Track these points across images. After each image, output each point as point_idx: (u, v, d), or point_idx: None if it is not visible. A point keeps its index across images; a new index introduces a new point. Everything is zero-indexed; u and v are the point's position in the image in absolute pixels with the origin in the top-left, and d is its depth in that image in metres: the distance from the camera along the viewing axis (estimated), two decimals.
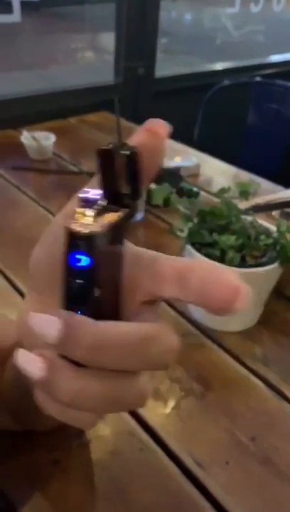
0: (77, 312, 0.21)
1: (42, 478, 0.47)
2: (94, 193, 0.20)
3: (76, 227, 0.20)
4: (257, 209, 0.75)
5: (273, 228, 0.63)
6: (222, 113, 1.67)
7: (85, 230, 0.20)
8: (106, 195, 0.21)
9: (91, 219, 0.20)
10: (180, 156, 1.15)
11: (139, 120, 1.15)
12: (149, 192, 0.94)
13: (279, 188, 1.05)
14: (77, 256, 0.20)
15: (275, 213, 0.90)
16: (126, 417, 0.53)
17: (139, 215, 0.92)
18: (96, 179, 0.23)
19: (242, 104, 1.74)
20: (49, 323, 0.20)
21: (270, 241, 0.60)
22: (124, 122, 1.30)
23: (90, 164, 1.14)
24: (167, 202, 0.90)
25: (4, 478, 0.46)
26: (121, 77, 1.61)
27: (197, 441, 0.52)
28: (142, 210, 0.92)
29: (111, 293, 0.23)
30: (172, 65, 2.08)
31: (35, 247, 0.27)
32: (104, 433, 0.51)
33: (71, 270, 0.20)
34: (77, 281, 0.20)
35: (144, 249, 0.24)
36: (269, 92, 1.79)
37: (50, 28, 1.79)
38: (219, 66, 2.07)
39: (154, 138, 0.22)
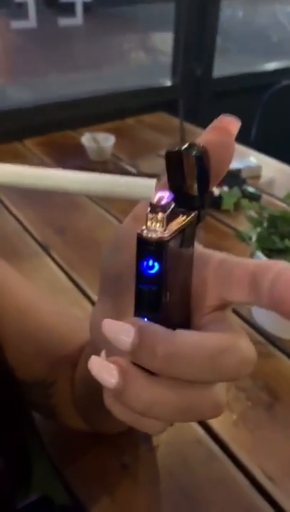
0: (148, 318, 0.21)
1: (110, 480, 0.47)
2: (163, 197, 0.20)
3: (146, 233, 0.20)
4: None
5: None
6: (281, 113, 1.63)
7: (155, 236, 0.19)
8: (175, 197, 0.21)
9: (161, 224, 0.20)
10: (240, 158, 1.13)
11: (197, 121, 1.15)
12: (215, 197, 0.93)
13: None
14: (148, 262, 0.20)
15: None
16: (194, 425, 0.52)
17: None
18: (163, 182, 0.22)
19: None
20: (123, 331, 0.20)
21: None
22: (183, 124, 1.30)
23: (148, 165, 1.15)
24: (237, 207, 0.88)
25: (75, 478, 0.47)
26: (179, 78, 1.60)
27: (267, 453, 0.50)
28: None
29: (182, 298, 0.23)
30: (227, 64, 2.06)
31: (105, 251, 0.27)
32: (172, 440, 0.51)
33: (142, 276, 0.20)
34: (148, 287, 0.20)
35: (212, 251, 0.24)
36: None
37: (105, 28, 1.81)
38: (276, 65, 2.02)
39: (224, 135, 0.21)
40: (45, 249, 0.85)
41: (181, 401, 0.20)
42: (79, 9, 1.30)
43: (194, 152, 0.20)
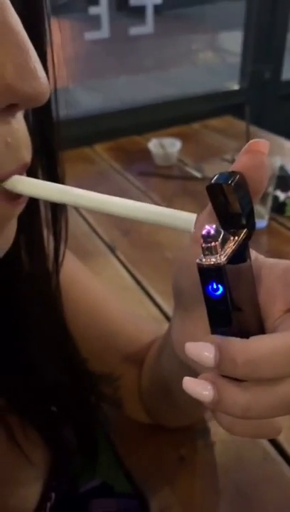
0: (223, 333, 0.23)
1: (168, 472, 0.49)
2: (212, 227, 0.22)
3: (204, 262, 0.22)
4: None
5: None
6: None
7: (212, 263, 0.22)
8: (223, 221, 0.24)
9: (215, 251, 0.22)
10: None
11: (263, 125, 1.14)
12: (280, 202, 0.93)
13: None
14: (212, 286, 0.22)
15: None
16: None
17: (263, 223, 0.92)
18: (207, 211, 0.25)
19: None
20: (204, 350, 0.22)
21: None
22: (251, 127, 1.30)
23: (213, 170, 1.16)
24: None
25: (134, 467, 0.50)
26: (247, 81, 1.60)
27: None
28: (266, 217, 0.92)
29: (251, 307, 0.25)
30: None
31: (175, 269, 0.30)
32: (228, 438, 0.52)
33: (210, 299, 0.23)
34: (218, 308, 0.23)
35: (276, 260, 0.26)
36: None
37: (174, 30, 1.82)
38: None
39: (256, 157, 0.23)
40: (111, 249, 0.89)
41: (272, 397, 0.22)
42: (149, 13, 1.33)
43: (230, 181, 0.22)
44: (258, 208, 0.91)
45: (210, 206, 0.25)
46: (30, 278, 0.36)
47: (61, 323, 0.41)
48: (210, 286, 0.22)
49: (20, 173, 0.25)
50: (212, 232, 0.22)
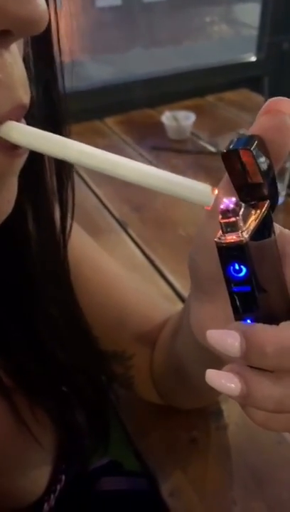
0: (249, 319, 0.21)
1: (179, 453, 0.48)
2: (231, 200, 0.20)
3: (224, 240, 0.20)
4: None
5: None
6: None
7: (234, 240, 0.20)
8: (242, 192, 0.21)
9: (236, 227, 0.20)
10: None
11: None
12: None
13: None
14: (234, 266, 0.20)
15: None
16: None
17: (280, 199, 0.89)
18: (225, 182, 0.23)
19: None
20: (228, 338, 0.20)
21: None
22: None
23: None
24: None
25: (146, 447, 0.49)
26: (264, 53, 1.54)
27: None
28: (282, 194, 0.89)
29: (278, 287, 0.22)
30: None
31: (191, 250, 0.28)
32: (241, 421, 0.51)
33: (232, 281, 0.21)
34: (241, 290, 0.20)
35: None
36: None
37: (185, 1, 1.76)
38: None
39: (276, 118, 0.21)
40: (123, 226, 0.87)
41: None
42: None
43: (249, 146, 0.20)
44: None
45: (226, 177, 0.22)
46: (38, 250, 0.34)
47: (71, 299, 0.40)
48: (232, 267, 0.20)
49: (17, 118, 0.21)
50: (232, 205, 0.20)
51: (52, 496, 0.42)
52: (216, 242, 0.20)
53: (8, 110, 0.20)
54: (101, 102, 1.34)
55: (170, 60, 1.62)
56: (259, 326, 0.20)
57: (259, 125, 0.21)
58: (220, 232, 0.20)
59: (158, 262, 0.77)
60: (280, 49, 1.55)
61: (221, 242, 0.20)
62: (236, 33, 2.04)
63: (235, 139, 0.21)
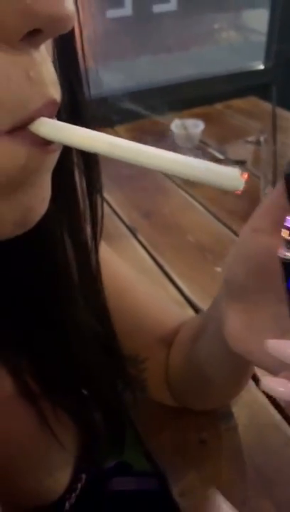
0: None
1: (189, 454, 0.50)
2: None
3: (285, 256, 0.22)
4: None
5: None
6: None
7: None
8: None
9: None
10: None
11: (289, 105, 1.09)
12: None
13: None
14: None
15: None
16: (272, 410, 0.53)
17: None
18: (274, 200, 0.24)
19: None
20: (287, 351, 0.22)
21: None
22: (275, 109, 1.26)
23: (236, 152, 1.14)
24: None
25: (156, 448, 0.50)
26: (272, 60, 1.56)
27: None
28: None
29: None
30: None
31: (228, 260, 0.29)
32: (250, 423, 0.52)
33: None
34: None
35: None
36: None
37: (198, 7, 1.77)
38: None
39: None
40: (132, 231, 0.88)
41: None
42: None
43: None
44: None
45: (275, 195, 0.24)
46: (71, 256, 0.34)
47: (101, 301, 0.41)
48: None
49: (50, 115, 0.21)
50: None
51: (73, 495, 0.43)
52: (281, 258, 0.22)
53: (39, 107, 0.20)
54: (113, 110, 1.36)
55: (179, 67, 1.64)
56: None
57: None
58: (284, 248, 0.22)
59: (166, 267, 0.78)
60: (288, 57, 1.56)
61: (284, 258, 0.22)
62: (245, 39, 2.05)
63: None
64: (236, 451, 0.50)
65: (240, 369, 0.41)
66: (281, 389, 0.22)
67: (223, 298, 0.32)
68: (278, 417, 0.52)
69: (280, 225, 0.24)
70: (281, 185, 0.24)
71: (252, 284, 0.27)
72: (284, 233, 0.22)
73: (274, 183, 0.89)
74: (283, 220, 0.22)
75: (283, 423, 0.52)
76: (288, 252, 0.22)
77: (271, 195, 0.25)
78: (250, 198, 0.93)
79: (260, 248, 0.27)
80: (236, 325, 0.30)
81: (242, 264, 0.28)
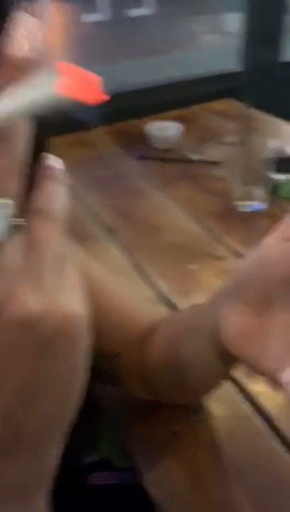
0: None
1: (162, 447, 0.51)
2: None
3: None
4: None
5: None
6: None
7: None
8: None
9: None
10: None
11: (263, 107, 1.12)
12: (276, 184, 0.94)
13: None
14: None
15: None
16: (243, 401, 0.55)
17: (261, 206, 0.92)
18: None
19: None
20: None
21: None
22: (251, 110, 1.29)
23: (214, 153, 1.16)
24: None
25: (130, 442, 0.52)
26: (247, 63, 1.58)
27: None
28: (264, 200, 0.92)
29: None
30: None
31: (246, 264, 0.31)
32: (221, 414, 0.54)
33: None
34: None
35: None
36: None
37: (174, 12, 1.80)
38: None
39: None
40: (110, 232, 0.90)
41: None
42: None
43: None
44: (256, 191, 0.92)
45: None
46: None
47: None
48: None
49: None
50: None
51: None
52: None
53: None
54: (90, 112, 1.37)
55: (156, 70, 1.66)
56: None
57: None
58: None
59: (144, 267, 0.80)
60: (261, 60, 1.59)
61: None
62: (222, 42, 2.08)
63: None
64: (208, 442, 0.51)
65: (223, 370, 0.42)
66: None
67: (226, 300, 0.33)
68: (248, 408, 0.54)
69: None
70: None
71: (272, 291, 0.28)
72: None
73: (245, 183, 0.91)
74: None
75: (254, 414, 0.54)
76: None
77: None
78: (225, 197, 0.95)
79: (285, 254, 0.28)
80: (239, 328, 0.31)
81: (266, 271, 0.29)
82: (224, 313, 0.33)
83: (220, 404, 0.55)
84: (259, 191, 0.92)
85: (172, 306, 0.71)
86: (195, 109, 1.45)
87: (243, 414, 0.54)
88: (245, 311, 0.31)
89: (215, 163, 1.09)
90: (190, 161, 1.14)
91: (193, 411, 0.53)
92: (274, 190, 0.94)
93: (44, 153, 0.25)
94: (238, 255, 0.80)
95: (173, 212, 0.95)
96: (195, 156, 1.16)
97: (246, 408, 0.54)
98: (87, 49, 1.54)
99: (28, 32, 0.23)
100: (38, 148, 0.34)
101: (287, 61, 1.66)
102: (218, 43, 2.10)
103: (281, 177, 0.95)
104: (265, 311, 0.30)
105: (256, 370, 0.32)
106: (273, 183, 0.94)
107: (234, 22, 1.64)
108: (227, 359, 0.36)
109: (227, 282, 0.35)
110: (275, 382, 0.30)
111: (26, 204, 0.23)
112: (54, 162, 0.24)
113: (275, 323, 0.30)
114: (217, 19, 2.04)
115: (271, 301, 0.28)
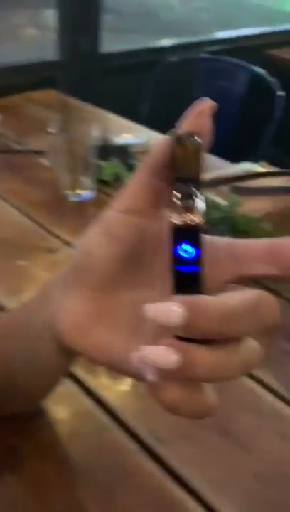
0: None
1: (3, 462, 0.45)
2: (187, 185, 0.22)
3: (180, 221, 0.22)
4: (206, 184, 0.75)
5: (221, 202, 0.63)
6: (170, 90, 1.65)
7: (193, 223, 0.22)
8: (180, 182, 0.23)
9: (192, 210, 0.22)
10: (129, 133, 1.13)
11: (87, 97, 1.13)
12: (98, 168, 0.92)
13: (227, 163, 1.05)
14: (186, 247, 0.22)
15: (223, 188, 0.90)
16: (83, 397, 0.52)
17: (89, 194, 0.90)
18: (143, 178, 0.25)
19: (189, 80, 1.73)
20: (170, 309, 0.21)
21: (220, 214, 0.60)
22: (72, 100, 1.27)
23: (36, 143, 1.11)
24: (117, 178, 0.89)
25: None
26: (65, 53, 1.56)
27: (157, 417, 0.51)
28: (91, 188, 0.90)
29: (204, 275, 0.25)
30: (120, 43, 2.04)
31: (83, 246, 0.27)
32: (62, 415, 0.50)
33: (182, 261, 0.22)
34: (189, 269, 0.22)
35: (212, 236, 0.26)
36: (215, 69, 1.79)
37: None
38: (165, 43, 2.04)
39: (202, 118, 0.24)
40: None
41: (237, 356, 0.22)
42: None
43: (196, 142, 0.22)
44: (84, 180, 0.90)
45: (142, 176, 0.25)
46: None
47: None
48: (183, 247, 0.22)
49: None
50: (187, 190, 0.22)
51: None
52: (174, 223, 0.22)
53: None
54: None
55: None
56: (201, 296, 0.21)
57: (189, 123, 0.24)
58: (175, 214, 0.22)
59: None
60: (80, 49, 1.58)
61: (179, 224, 0.21)
62: (43, 35, 2.03)
63: (181, 134, 0.23)
64: (51, 449, 0.47)
65: (66, 366, 0.38)
66: (172, 356, 0.21)
67: (61, 289, 0.29)
68: (89, 403, 0.51)
69: (155, 202, 0.25)
70: (153, 160, 0.25)
71: (117, 269, 0.26)
72: (174, 197, 0.22)
73: (72, 172, 0.88)
74: (168, 189, 0.22)
75: (96, 408, 0.51)
76: (178, 217, 0.22)
77: (137, 177, 0.25)
78: (53, 188, 0.91)
79: (133, 229, 0.26)
80: (77, 315, 0.28)
81: (107, 248, 0.26)
82: (60, 303, 0.29)
83: (61, 405, 0.51)
84: (87, 180, 0.90)
85: (0, 307, 0.64)
86: (16, 98, 1.38)
87: (85, 411, 0.51)
88: (85, 296, 0.28)
89: (39, 153, 1.04)
90: (14, 152, 1.07)
91: (31, 418, 0.48)
92: (98, 175, 0.93)
93: None
94: (70, 246, 0.77)
95: None
96: (18, 147, 1.10)
97: (88, 404, 0.51)
98: None
99: None
100: None
101: (105, 52, 1.68)
102: (38, 36, 2.06)
103: (103, 165, 0.94)
104: (112, 291, 0.27)
105: (96, 359, 0.28)
106: (99, 171, 0.92)
107: (52, 16, 1.61)
108: (69, 354, 0.32)
109: (59, 271, 0.31)
110: (124, 371, 0.27)
111: None
112: None
113: (119, 304, 0.27)
114: (37, 14, 2.00)
115: (120, 279, 0.26)
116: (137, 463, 0.46)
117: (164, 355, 0.21)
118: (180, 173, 0.23)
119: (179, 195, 0.22)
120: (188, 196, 0.22)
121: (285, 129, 1.70)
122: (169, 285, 0.23)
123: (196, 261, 0.22)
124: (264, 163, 1.02)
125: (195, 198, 0.22)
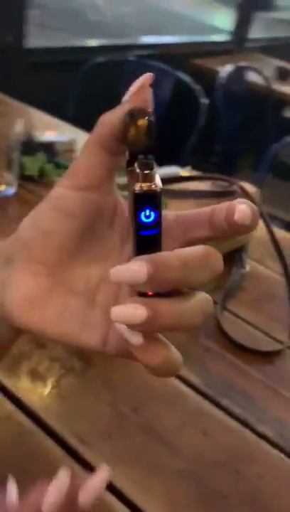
0: None
1: None
2: (144, 156, 0.24)
3: (141, 188, 0.23)
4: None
5: None
6: (96, 90, 1.65)
7: (152, 189, 0.23)
8: (133, 154, 0.24)
9: (151, 178, 0.23)
10: (55, 131, 1.11)
11: (10, 92, 1.08)
12: (22, 163, 0.89)
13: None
14: (146, 212, 0.23)
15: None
16: (4, 401, 0.50)
17: (11, 190, 0.87)
18: (99, 140, 0.25)
19: (116, 81, 1.73)
20: (135, 265, 0.22)
21: None
22: None
23: None
24: (42, 173, 0.87)
25: None
26: None
27: (80, 417, 0.50)
28: (14, 184, 0.87)
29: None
30: (47, 40, 1.99)
31: (34, 220, 0.27)
32: None
33: (143, 226, 0.24)
34: (150, 233, 0.24)
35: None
36: (141, 72, 1.81)
37: None
38: (90, 43, 2.03)
39: (145, 92, 0.25)
40: None
41: (197, 305, 0.24)
42: None
43: (147, 117, 0.24)
44: (6, 175, 0.86)
45: (100, 136, 0.25)
46: None
47: None
48: (143, 213, 0.23)
49: None
50: (147, 161, 0.23)
51: None
52: (134, 190, 0.23)
53: None
54: None
55: None
56: (162, 252, 0.23)
57: (134, 98, 0.25)
58: (136, 184, 0.23)
59: None
60: (3, 42, 1.53)
61: (139, 190, 0.23)
62: None
63: (134, 108, 0.24)
64: None
65: (4, 349, 0.35)
66: (140, 311, 0.22)
67: (9, 266, 0.28)
68: (9, 406, 0.49)
69: (106, 176, 0.26)
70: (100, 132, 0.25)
71: (72, 244, 0.26)
72: (136, 168, 0.23)
73: None
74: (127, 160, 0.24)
75: (16, 411, 0.49)
76: (140, 185, 0.23)
77: (86, 153, 0.25)
78: None
79: (86, 204, 0.26)
80: (30, 290, 0.27)
81: (62, 224, 0.26)
82: (7, 281, 0.27)
83: None
84: (8, 176, 0.86)
85: None
86: None
87: (4, 415, 0.49)
88: (36, 271, 0.27)
89: None
90: None
91: None
92: (24, 176, 0.90)
93: None
94: None
95: None
96: None
97: (8, 407, 0.49)
98: None
99: None
100: None
101: (31, 47, 1.64)
102: None
103: (28, 160, 0.91)
104: (60, 268, 0.27)
105: (49, 335, 0.27)
106: (22, 168, 0.89)
107: None
108: (15, 331, 0.30)
109: (3, 245, 0.29)
110: (76, 343, 0.27)
111: None
112: None
113: (73, 277, 0.27)
114: None
115: (68, 256, 0.26)
116: (60, 464, 0.45)
117: (133, 311, 0.23)
118: (134, 146, 0.24)
119: (139, 166, 0.23)
120: (147, 166, 0.23)
121: (206, 136, 1.76)
122: (124, 255, 0.25)
123: (156, 224, 0.24)
124: (188, 168, 1.05)
125: (153, 167, 0.24)
